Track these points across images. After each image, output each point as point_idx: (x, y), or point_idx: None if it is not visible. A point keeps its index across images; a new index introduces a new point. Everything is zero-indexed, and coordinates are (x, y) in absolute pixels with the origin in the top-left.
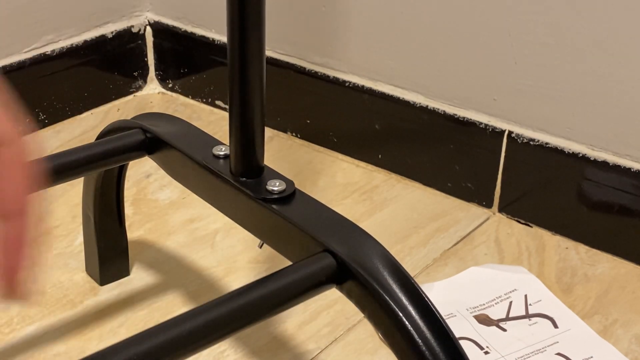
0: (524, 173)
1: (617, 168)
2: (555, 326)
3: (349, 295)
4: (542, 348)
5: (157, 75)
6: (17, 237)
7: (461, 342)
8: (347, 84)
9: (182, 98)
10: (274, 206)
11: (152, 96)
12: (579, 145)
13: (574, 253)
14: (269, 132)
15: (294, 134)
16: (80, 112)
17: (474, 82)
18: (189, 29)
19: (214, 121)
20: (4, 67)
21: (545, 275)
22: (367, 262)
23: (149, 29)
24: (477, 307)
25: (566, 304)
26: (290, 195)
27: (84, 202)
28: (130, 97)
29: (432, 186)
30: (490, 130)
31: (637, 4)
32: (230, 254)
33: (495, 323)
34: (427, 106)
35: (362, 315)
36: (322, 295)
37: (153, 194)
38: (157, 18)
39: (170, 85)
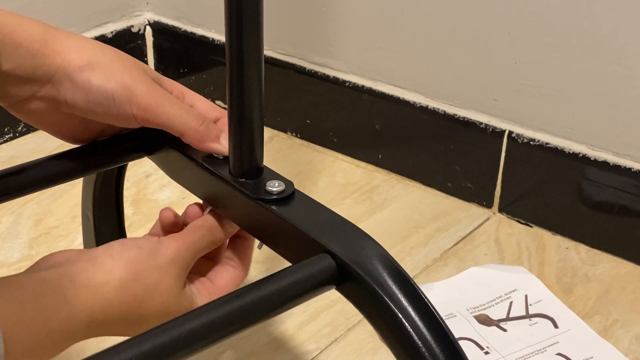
0: (524, 173)
1: (617, 168)
2: (556, 326)
3: (349, 296)
4: (543, 348)
5: None
6: None
7: (461, 342)
8: (347, 84)
9: None
10: (273, 207)
11: None
12: (579, 145)
13: (574, 253)
14: (268, 132)
15: (294, 134)
16: None
17: (474, 82)
18: (189, 28)
19: None
20: None
21: (545, 276)
22: (366, 263)
23: (148, 28)
24: (477, 307)
25: (566, 304)
26: (290, 196)
27: (83, 203)
28: None
29: (432, 186)
30: (490, 130)
31: (637, 3)
32: None
33: (496, 323)
34: (427, 106)
35: (362, 315)
36: (322, 295)
37: (153, 194)
38: (156, 18)
39: None
